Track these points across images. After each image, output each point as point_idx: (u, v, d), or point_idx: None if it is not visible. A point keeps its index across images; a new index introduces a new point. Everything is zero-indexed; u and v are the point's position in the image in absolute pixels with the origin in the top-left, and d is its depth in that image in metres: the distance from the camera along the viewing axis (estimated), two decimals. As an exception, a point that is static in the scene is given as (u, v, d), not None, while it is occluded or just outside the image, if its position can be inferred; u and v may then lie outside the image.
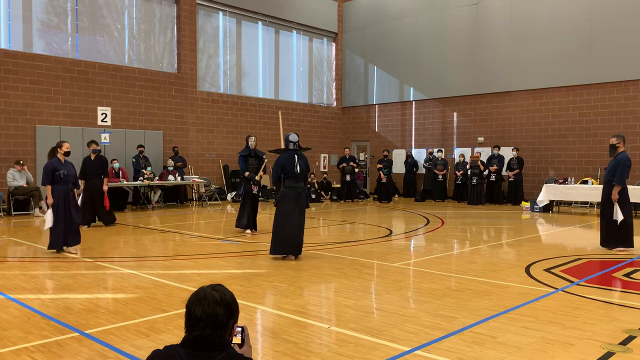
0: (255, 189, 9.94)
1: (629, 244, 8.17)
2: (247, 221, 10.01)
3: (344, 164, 18.36)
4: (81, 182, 10.39)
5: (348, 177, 18.20)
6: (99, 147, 11.27)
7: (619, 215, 8.07)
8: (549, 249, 8.39)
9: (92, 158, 11.04)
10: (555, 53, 16.31)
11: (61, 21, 14.89)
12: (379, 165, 18.15)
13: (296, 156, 7.54)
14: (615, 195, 8.06)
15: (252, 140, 10.12)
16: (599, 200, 14.01)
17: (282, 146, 8.21)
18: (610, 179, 8.18)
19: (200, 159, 17.67)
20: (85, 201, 10.73)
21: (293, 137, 7.69)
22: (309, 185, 18.40)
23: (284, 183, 7.54)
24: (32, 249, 8.46)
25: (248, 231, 9.99)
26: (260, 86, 19.88)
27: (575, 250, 8.31)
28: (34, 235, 9.87)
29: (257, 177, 9.94)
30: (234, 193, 17.48)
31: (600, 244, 8.41)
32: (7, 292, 5.52)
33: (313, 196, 18.19)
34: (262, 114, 19.41)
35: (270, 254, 7.53)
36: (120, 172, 14.33)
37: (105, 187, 11.09)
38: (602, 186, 13.68)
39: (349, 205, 17.08)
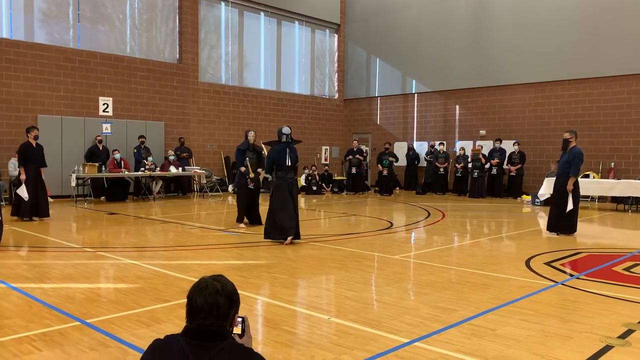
0: (250, 185, 9.81)
1: (573, 230, 8.98)
2: (242, 215, 9.92)
3: (351, 156, 18.32)
4: (21, 170, 10.03)
5: (354, 170, 18.15)
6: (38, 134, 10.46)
7: (569, 205, 8.79)
8: (549, 243, 8.40)
9: (34, 145, 10.27)
10: (558, 46, 16.24)
11: (62, 11, 14.84)
12: (390, 159, 18.08)
13: (287, 149, 7.96)
14: (570, 186, 8.77)
15: (251, 135, 9.98)
16: (601, 194, 14.20)
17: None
18: (566, 171, 8.87)
19: (201, 150, 17.66)
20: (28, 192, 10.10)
21: (286, 130, 8.12)
22: (309, 177, 18.41)
23: (277, 174, 8.02)
24: (34, 238, 8.48)
25: (242, 225, 9.82)
26: (262, 77, 19.83)
27: (575, 243, 8.32)
28: (36, 224, 9.90)
29: (252, 175, 9.76)
30: (235, 184, 17.50)
31: (547, 229, 9.20)
32: (8, 281, 5.54)
33: (314, 188, 18.20)
34: (263, 106, 19.37)
35: (265, 238, 7.98)
36: (122, 163, 14.33)
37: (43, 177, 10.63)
38: (601, 180, 13.82)
39: (350, 197, 17.09)
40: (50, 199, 13.67)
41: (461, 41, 18.47)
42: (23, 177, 10.01)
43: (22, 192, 9.92)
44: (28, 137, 10.27)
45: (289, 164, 7.93)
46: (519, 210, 13.56)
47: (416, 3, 19.68)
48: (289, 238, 7.80)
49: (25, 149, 10.17)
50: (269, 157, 8.09)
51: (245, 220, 10.02)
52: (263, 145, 10.16)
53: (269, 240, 7.99)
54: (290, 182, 7.94)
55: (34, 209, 10.31)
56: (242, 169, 9.77)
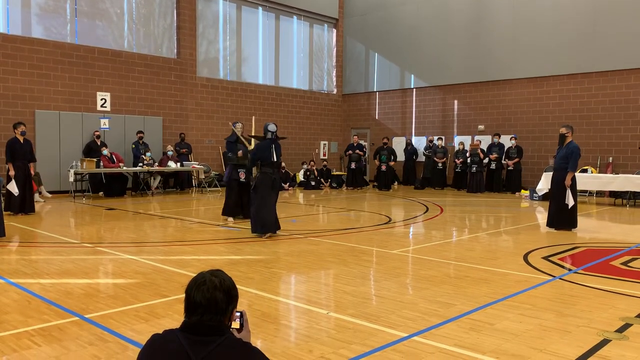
0: (242, 177, 9.75)
1: (574, 225, 8.96)
2: (232, 209, 9.88)
3: (350, 152, 18.31)
4: (10, 166, 10.13)
5: (353, 165, 18.14)
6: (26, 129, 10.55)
7: (570, 200, 8.80)
8: (547, 237, 8.42)
9: (22, 141, 10.35)
10: (556, 41, 16.22)
11: (60, 5, 14.78)
12: (390, 164, 18.01)
13: (273, 146, 8.05)
14: (568, 181, 8.78)
15: (239, 127, 9.99)
16: (599, 189, 14.21)
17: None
18: (563, 166, 8.87)
19: (199, 145, 17.64)
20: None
21: (272, 127, 8.19)
22: (308, 173, 18.40)
23: (261, 169, 8.10)
24: (32, 234, 8.48)
25: (230, 219, 9.80)
26: (260, 72, 19.79)
27: (573, 238, 8.33)
28: (34, 220, 9.89)
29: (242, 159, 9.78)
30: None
31: (547, 225, 9.16)
32: (7, 277, 5.54)
33: (313, 183, 18.20)
34: (262, 101, 19.34)
35: (252, 232, 8.15)
36: (114, 157, 14.24)
37: (32, 172, 10.91)
38: (599, 174, 13.83)
39: (349, 192, 17.10)
40: (48, 195, 13.73)
41: (460, 36, 18.44)
42: (12, 172, 10.13)
43: (12, 187, 10.04)
44: (15, 133, 10.38)
45: (275, 159, 8.06)
46: (517, 205, 13.57)
47: (415, -3, 19.63)
48: (268, 234, 8.00)
49: (12, 145, 10.27)
50: (255, 152, 8.24)
51: (230, 218, 9.89)
52: (251, 139, 10.02)
53: (255, 234, 8.10)
54: (274, 178, 8.07)
55: (22, 204, 10.40)
56: (240, 153, 9.71)
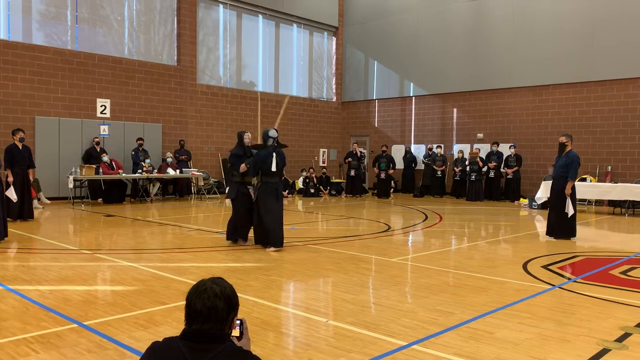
0: (252, 194, 8.06)
1: (573, 234, 8.97)
2: (246, 229, 8.24)
3: (350, 159, 18.34)
4: (9, 172, 10.15)
5: (353, 172, 18.17)
6: (25, 136, 10.54)
7: (569, 209, 8.81)
8: (546, 246, 8.42)
9: (20, 147, 10.36)
10: (556, 50, 16.30)
11: (60, 12, 14.83)
12: (390, 172, 17.97)
13: (274, 154, 7.72)
14: (568, 190, 8.79)
15: (247, 138, 8.33)
16: (598, 197, 14.22)
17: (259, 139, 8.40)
18: (563, 175, 8.90)
19: (199, 152, 17.65)
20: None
21: (272, 134, 7.83)
22: (307, 180, 18.40)
23: (262, 179, 7.79)
24: (31, 240, 8.46)
25: (241, 241, 8.23)
26: (260, 80, 19.84)
27: (572, 247, 8.33)
28: (32, 226, 9.88)
29: (255, 182, 8.08)
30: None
31: (546, 234, 9.19)
32: (5, 283, 5.53)
33: (312, 191, 18.20)
34: (261, 108, 19.35)
35: (255, 243, 7.88)
36: (114, 164, 14.24)
37: (32, 178, 10.97)
38: (598, 183, 13.88)
39: (348, 200, 17.10)
40: (47, 201, 13.72)
41: (459, 45, 18.52)
42: (11, 179, 10.14)
43: (11, 194, 10.04)
44: (14, 139, 10.43)
45: (274, 170, 7.71)
46: (517, 213, 13.58)
47: (414, 7, 19.73)
48: (273, 247, 7.60)
49: (11, 151, 10.31)
50: (255, 161, 7.75)
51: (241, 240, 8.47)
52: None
53: (260, 245, 7.83)
54: (275, 186, 7.78)
55: (21, 210, 10.43)
56: (243, 166, 8.01)
